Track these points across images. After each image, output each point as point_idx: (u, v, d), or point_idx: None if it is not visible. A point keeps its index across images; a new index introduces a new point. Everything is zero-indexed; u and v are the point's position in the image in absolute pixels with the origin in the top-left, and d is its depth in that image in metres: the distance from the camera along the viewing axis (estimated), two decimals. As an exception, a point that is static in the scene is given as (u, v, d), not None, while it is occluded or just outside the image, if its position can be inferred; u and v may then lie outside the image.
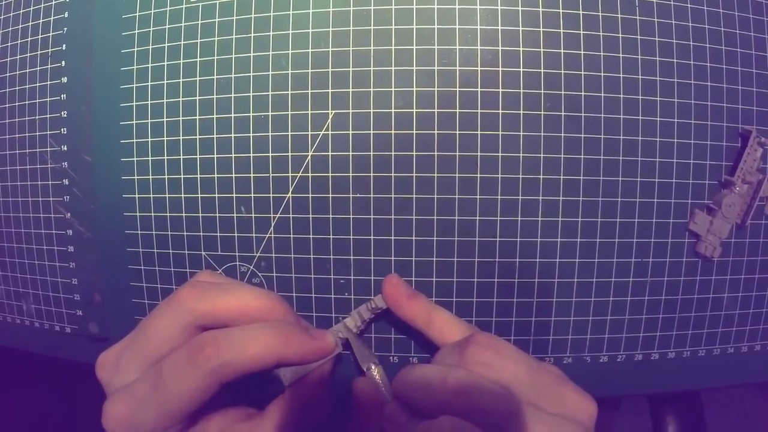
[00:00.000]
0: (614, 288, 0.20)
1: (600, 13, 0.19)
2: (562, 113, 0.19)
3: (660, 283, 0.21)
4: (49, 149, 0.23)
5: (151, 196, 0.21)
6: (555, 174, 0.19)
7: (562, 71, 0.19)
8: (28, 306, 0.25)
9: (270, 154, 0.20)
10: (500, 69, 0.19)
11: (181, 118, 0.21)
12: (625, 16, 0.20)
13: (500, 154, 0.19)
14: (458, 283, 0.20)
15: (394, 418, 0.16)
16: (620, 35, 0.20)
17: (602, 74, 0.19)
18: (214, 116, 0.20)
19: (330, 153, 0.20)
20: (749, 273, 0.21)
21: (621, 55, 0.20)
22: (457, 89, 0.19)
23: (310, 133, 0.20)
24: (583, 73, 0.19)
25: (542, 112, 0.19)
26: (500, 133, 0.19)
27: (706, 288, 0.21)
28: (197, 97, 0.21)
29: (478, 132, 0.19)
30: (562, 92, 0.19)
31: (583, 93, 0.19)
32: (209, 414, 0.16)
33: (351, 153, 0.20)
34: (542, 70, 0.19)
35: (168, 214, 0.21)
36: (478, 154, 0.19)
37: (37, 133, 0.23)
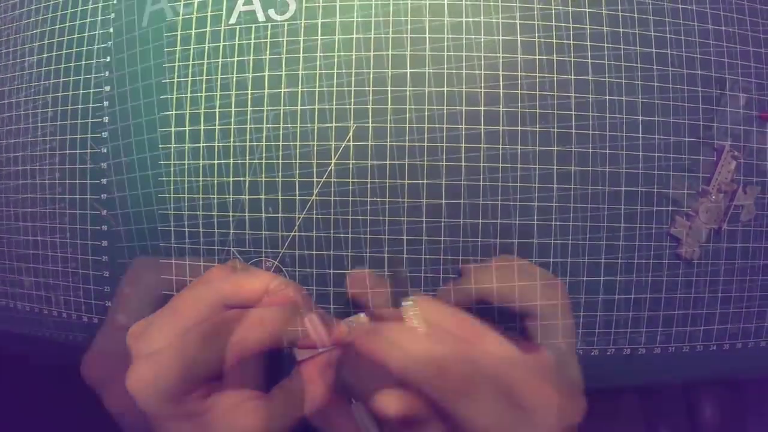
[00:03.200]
0: (603, 286, 0.23)
1: (588, 41, 0.22)
2: (554, 129, 0.22)
3: (644, 281, 0.23)
4: (89, 151, 0.25)
5: (185, 195, 0.24)
6: (548, 183, 0.22)
7: (555, 93, 0.22)
8: (57, 297, 0.26)
9: (297, 162, 0.22)
10: (501, 91, 0.22)
11: (217, 127, 0.23)
12: (612, 45, 0.22)
13: (500, 165, 0.22)
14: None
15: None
16: (606, 62, 0.22)
17: (591, 96, 0.22)
18: (248, 126, 0.23)
19: (351, 162, 0.22)
20: (727, 275, 0.24)
21: (606, 79, 0.22)
22: (464, 108, 0.22)
23: (333, 143, 0.22)
24: (572, 95, 0.22)
25: (537, 129, 0.22)
26: (500, 147, 0.22)
27: (687, 287, 0.23)
28: (232, 109, 0.23)
29: (482, 145, 0.22)
30: (555, 112, 0.22)
31: (572, 112, 0.22)
32: (225, 388, 0.17)
33: (369, 162, 0.22)
34: (537, 92, 0.22)
35: (200, 213, 0.23)
36: (481, 165, 0.22)
37: (78, 136, 0.25)
